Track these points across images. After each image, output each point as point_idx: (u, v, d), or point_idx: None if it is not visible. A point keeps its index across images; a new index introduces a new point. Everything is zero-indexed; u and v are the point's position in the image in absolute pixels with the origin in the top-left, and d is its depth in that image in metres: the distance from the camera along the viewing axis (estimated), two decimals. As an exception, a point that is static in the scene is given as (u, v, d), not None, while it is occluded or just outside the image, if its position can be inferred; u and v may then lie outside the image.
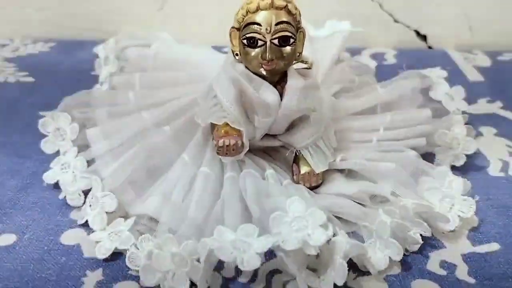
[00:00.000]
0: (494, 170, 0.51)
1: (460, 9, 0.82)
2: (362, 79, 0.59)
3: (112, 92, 0.52)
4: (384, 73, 0.67)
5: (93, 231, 0.41)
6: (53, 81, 0.69)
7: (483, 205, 0.45)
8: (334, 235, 0.37)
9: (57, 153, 0.48)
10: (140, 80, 0.51)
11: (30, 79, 0.69)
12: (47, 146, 0.48)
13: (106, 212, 0.41)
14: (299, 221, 0.35)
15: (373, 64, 0.66)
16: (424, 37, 0.85)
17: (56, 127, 0.49)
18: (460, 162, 0.50)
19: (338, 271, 0.35)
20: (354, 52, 0.78)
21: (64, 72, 0.72)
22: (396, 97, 0.54)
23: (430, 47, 0.85)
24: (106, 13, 0.82)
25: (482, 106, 0.64)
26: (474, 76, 0.74)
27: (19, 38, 0.83)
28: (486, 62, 0.79)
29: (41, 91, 0.66)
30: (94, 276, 0.37)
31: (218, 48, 0.66)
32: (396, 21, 0.83)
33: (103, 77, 0.58)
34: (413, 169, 0.45)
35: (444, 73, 0.58)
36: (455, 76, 0.71)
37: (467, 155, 0.50)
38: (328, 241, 0.36)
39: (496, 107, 0.63)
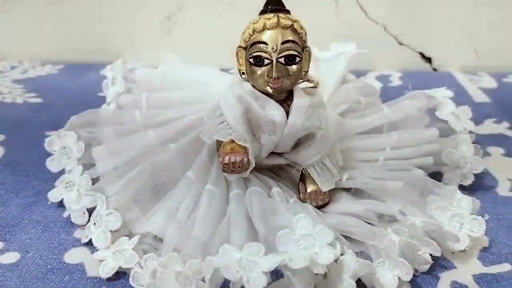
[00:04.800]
0: (503, 190, 0.50)
1: (465, 31, 0.82)
2: (368, 99, 0.59)
3: (119, 111, 0.52)
4: (389, 94, 0.67)
5: (97, 250, 0.40)
6: (60, 102, 0.69)
7: (493, 225, 0.44)
8: (341, 254, 0.36)
9: (63, 171, 0.48)
10: (147, 100, 0.52)
11: (38, 100, 0.70)
12: (52, 164, 0.48)
13: (110, 231, 0.40)
14: (306, 239, 0.35)
15: (378, 85, 0.66)
16: (429, 60, 0.85)
17: (62, 145, 0.49)
18: (468, 182, 0.49)
19: (347, 291, 0.34)
20: (360, 74, 0.78)
21: (71, 93, 0.73)
22: (402, 117, 0.54)
23: (435, 69, 0.86)
24: (114, 36, 0.83)
25: (489, 127, 0.64)
26: (479, 97, 0.74)
27: (28, 61, 0.84)
28: (491, 83, 0.79)
29: (49, 112, 0.66)
30: (97, 296, 0.37)
31: (226, 70, 0.66)
32: (400, 43, 0.83)
33: (110, 97, 0.58)
34: (421, 188, 0.44)
35: (450, 93, 0.58)
36: (460, 98, 0.71)
37: (475, 175, 0.49)
38: (336, 260, 0.35)
39: (503, 128, 0.63)
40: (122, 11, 0.82)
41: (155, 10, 0.82)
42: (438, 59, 0.85)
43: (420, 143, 0.50)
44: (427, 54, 0.85)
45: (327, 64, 0.64)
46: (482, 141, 0.57)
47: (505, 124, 0.64)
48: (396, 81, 0.80)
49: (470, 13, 0.81)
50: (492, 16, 0.81)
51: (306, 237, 0.35)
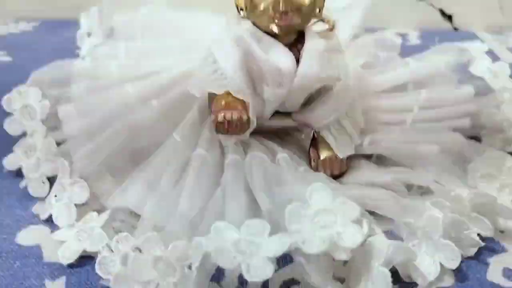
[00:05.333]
0: (551, 157, 0.42)
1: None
2: (388, 54, 0.51)
3: (92, 64, 0.43)
4: (407, 55, 0.59)
5: (58, 229, 0.32)
6: (33, 60, 0.60)
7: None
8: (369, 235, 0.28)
9: (25, 135, 0.40)
10: (125, 50, 0.43)
11: (8, 58, 0.62)
12: (11, 127, 0.40)
13: (76, 205, 0.33)
14: (324, 215, 0.27)
15: (398, 40, 0.57)
16: (449, 18, 0.76)
17: (24, 104, 0.41)
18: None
19: (378, 283, 0.26)
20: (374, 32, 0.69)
21: (46, 51, 0.64)
22: (429, 73, 0.46)
23: (456, 29, 0.77)
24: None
25: (524, 89, 0.55)
26: (509, 58, 0.65)
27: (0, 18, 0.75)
28: (520, 43, 0.70)
29: (19, 71, 0.57)
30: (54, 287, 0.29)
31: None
32: (419, -2, 0.74)
33: (86, 50, 0.50)
34: (459, 153, 0.36)
35: (485, 47, 0.50)
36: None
37: (520, 139, 0.41)
38: (363, 243, 0.27)
39: (541, 90, 0.54)
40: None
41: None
42: (459, 17, 0.76)
43: (454, 102, 0.42)
44: (447, 11, 0.76)
45: (339, 14, 0.55)
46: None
47: (543, 86, 0.55)
48: (414, 40, 0.71)
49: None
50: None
51: (324, 212, 0.27)
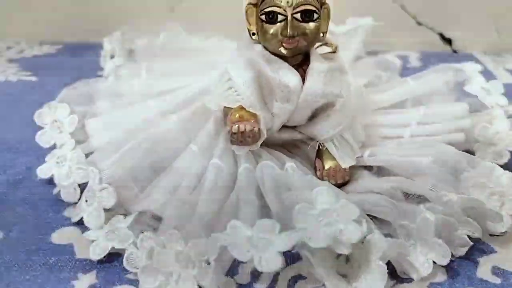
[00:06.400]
0: (541, 169, 0.45)
1: (487, 10, 0.77)
2: (389, 74, 0.55)
3: (116, 82, 0.47)
4: (408, 76, 0.62)
5: (89, 230, 0.35)
6: (57, 80, 0.65)
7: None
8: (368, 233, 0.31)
9: (55, 147, 0.44)
10: (147, 69, 0.47)
11: (33, 78, 0.66)
12: (43, 139, 0.44)
13: (104, 209, 0.36)
14: (328, 214, 0.30)
15: (398, 62, 0.61)
16: (449, 41, 0.80)
17: (54, 118, 0.44)
18: (503, 160, 0.44)
19: (375, 275, 0.29)
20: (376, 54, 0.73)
21: (69, 72, 0.68)
22: (427, 91, 0.49)
23: (455, 51, 0.80)
24: (116, 15, 0.79)
25: (520, 108, 0.58)
26: (506, 78, 0.69)
27: (25, 41, 0.80)
28: (517, 64, 0.74)
29: (44, 89, 0.62)
30: (86, 279, 0.32)
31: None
32: (419, 23, 0.78)
33: (109, 71, 0.54)
34: (453, 165, 0.39)
35: (479, 67, 0.53)
36: (486, 78, 0.65)
37: (511, 152, 0.44)
38: (362, 242, 0.30)
39: (535, 108, 0.57)
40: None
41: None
42: (458, 40, 0.80)
43: (449, 118, 0.45)
44: (446, 35, 0.80)
45: (342, 38, 0.59)
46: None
47: (537, 104, 0.58)
48: (414, 62, 0.75)
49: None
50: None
51: (328, 211, 0.30)
